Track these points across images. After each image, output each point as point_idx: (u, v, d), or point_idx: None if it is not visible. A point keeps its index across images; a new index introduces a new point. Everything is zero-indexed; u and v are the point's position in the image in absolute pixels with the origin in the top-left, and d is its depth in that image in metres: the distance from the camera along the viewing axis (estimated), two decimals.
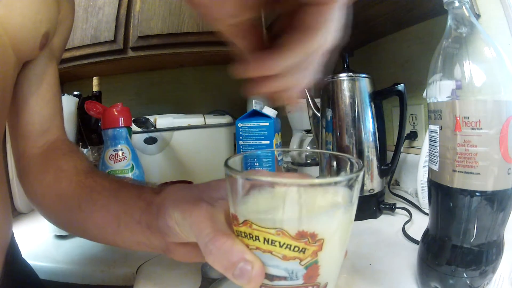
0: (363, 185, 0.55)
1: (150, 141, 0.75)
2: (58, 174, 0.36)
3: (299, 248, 0.19)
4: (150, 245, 0.29)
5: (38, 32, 0.33)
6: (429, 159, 0.32)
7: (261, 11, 0.18)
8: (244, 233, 0.21)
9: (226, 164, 0.22)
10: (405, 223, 0.50)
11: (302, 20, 0.17)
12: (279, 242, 0.19)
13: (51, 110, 0.40)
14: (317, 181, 0.22)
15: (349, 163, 0.25)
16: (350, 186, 0.21)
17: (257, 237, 0.20)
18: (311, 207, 0.20)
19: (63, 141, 0.41)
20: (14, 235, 0.37)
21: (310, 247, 0.19)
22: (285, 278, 0.20)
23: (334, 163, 0.27)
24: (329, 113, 0.58)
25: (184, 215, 0.24)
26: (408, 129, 0.73)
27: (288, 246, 0.19)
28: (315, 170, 0.71)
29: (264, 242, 0.20)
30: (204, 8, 0.17)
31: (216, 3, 0.16)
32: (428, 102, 0.31)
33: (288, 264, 0.20)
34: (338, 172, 0.26)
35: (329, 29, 0.18)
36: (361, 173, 0.21)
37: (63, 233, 0.55)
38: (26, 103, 0.38)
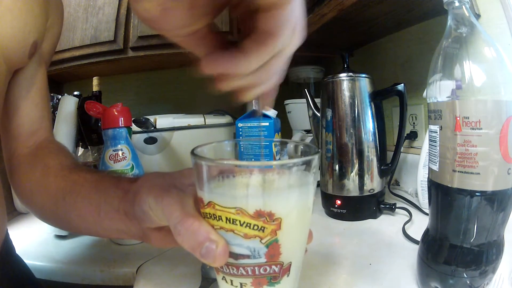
0: (363, 184, 0.55)
1: (150, 141, 0.75)
2: (45, 171, 0.38)
3: (258, 227, 0.20)
4: (129, 232, 0.30)
5: (27, 42, 0.35)
6: (429, 159, 0.32)
7: (213, 18, 0.18)
8: (209, 214, 0.22)
9: (192, 152, 0.23)
10: (405, 223, 0.50)
11: (259, 25, 0.17)
12: (239, 221, 0.20)
13: (40, 112, 0.42)
14: (274, 163, 0.24)
15: (306, 149, 0.26)
16: (306, 169, 0.22)
17: (220, 217, 0.21)
18: (267, 188, 0.22)
19: (50, 141, 0.44)
20: (15, 235, 0.38)
21: (268, 225, 0.20)
22: (248, 257, 0.21)
23: (295, 150, 0.30)
24: (329, 113, 0.58)
25: (156, 200, 0.26)
26: (408, 129, 0.73)
27: (248, 225, 0.20)
28: None
29: (226, 222, 0.21)
30: (153, 22, 0.17)
31: (164, 16, 0.16)
32: (428, 102, 0.31)
33: (250, 242, 0.21)
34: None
35: (287, 33, 0.17)
36: (316, 157, 0.22)
37: (63, 233, 0.55)
38: (17, 107, 0.39)
